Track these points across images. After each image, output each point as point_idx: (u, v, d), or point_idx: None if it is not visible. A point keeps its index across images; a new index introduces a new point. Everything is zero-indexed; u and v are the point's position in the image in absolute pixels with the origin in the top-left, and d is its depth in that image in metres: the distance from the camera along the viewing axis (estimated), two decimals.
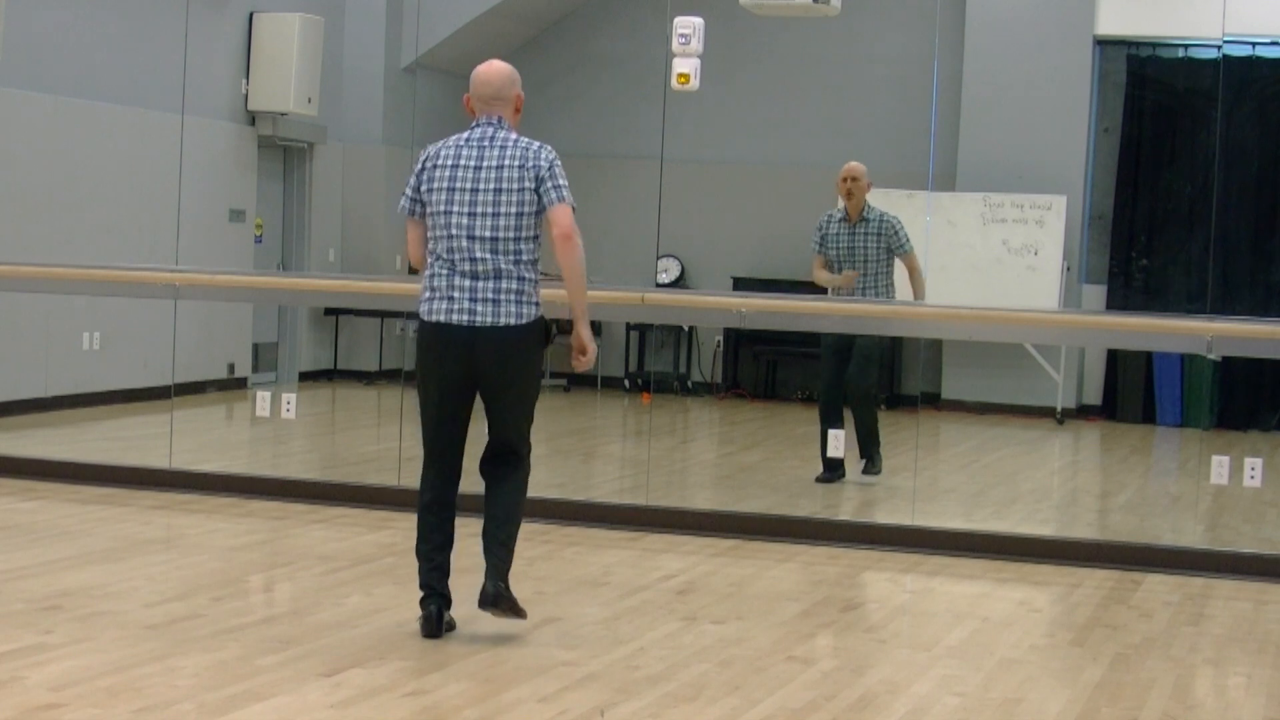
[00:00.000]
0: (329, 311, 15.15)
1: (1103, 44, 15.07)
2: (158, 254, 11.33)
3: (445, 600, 5.90)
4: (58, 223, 12.11)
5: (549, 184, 5.83)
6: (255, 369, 14.49)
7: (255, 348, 14.51)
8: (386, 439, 10.75)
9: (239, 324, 14.10)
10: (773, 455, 12.27)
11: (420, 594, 5.89)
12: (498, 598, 5.78)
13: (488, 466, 5.98)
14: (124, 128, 12.75)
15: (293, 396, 10.03)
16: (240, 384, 14.14)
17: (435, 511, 5.94)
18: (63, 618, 5.94)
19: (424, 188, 5.89)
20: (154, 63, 12.68)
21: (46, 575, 6.68)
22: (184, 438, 10.29)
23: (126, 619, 5.97)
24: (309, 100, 14.24)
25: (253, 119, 14.28)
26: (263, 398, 10.09)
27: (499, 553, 5.82)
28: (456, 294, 5.80)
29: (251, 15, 14.10)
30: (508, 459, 5.96)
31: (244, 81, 14.14)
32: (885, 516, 9.16)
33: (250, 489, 8.89)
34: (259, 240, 14.62)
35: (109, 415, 12.11)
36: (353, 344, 15.60)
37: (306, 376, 15.07)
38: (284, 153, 15.08)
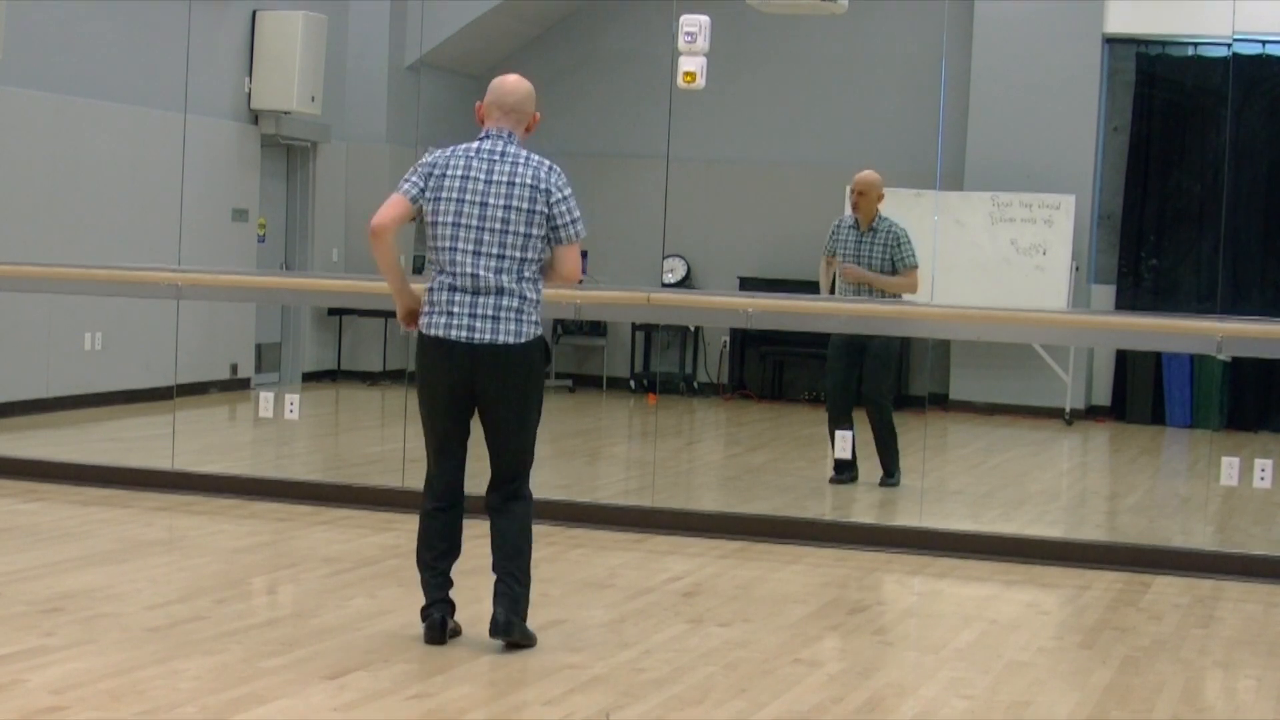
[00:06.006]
0: (332, 312, 15.12)
1: (1112, 42, 15.02)
2: (160, 254, 11.26)
3: (449, 607, 5.84)
4: (59, 222, 12.07)
5: (565, 219, 5.73)
6: (258, 369, 14.45)
7: (258, 348, 14.48)
8: (390, 440, 10.70)
9: (242, 324, 14.06)
10: (779, 456, 12.23)
11: (423, 601, 5.83)
12: (509, 626, 5.69)
13: (491, 497, 5.84)
14: (126, 127, 12.72)
15: (296, 397, 10.00)
16: (243, 385, 14.10)
17: (438, 516, 5.87)
18: (64, 620, 5.91)
19: (429, 194, 5.74)
20: (156, 61, 12.64)
21: (48, 577, 6.65)
22: (186, 439, 10.25)
23: (128, 621, 5.94)
24: (312, 99, 14.20)
25: (256, 118, 14.24)
26: (266, 398, 10.06)
27: (511, 584, 5.73)
28: (455, 309, 5.70)
29: (255, 13, 14.06)
30: (508, 489, 5.82)
31: (247, 80, 14.10)
32: (893, 518, 9.12)
33: (253, 490, 8.86)
34: (262, 240, 14.58)
35: (111, 416, 12.08)
36: (356, 344, 15.57)
37: (310, 377, 15.04)
38: (287, 152, 15.05)
